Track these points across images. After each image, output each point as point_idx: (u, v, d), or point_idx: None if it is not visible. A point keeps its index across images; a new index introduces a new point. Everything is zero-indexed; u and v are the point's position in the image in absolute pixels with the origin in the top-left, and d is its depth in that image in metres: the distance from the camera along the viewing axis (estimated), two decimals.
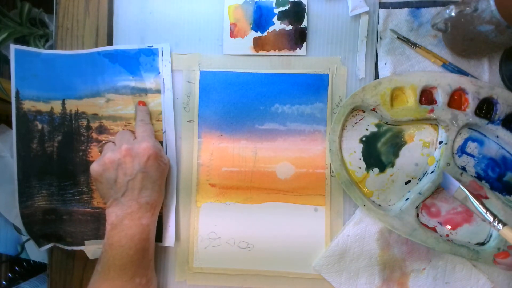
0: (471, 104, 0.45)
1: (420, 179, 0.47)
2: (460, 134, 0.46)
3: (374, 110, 0.46)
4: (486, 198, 0.45)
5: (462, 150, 0.47)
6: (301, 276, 0.48)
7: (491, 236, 0.46)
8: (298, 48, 0.48)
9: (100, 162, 0.43)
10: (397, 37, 0.47)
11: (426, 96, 0.46)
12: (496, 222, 0.38)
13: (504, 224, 0.37)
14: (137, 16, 0.50)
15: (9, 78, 0.50)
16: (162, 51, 0.49)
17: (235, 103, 0.49)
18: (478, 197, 0.46)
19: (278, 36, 0.48)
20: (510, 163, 0.46)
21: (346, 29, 0.48)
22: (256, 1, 0.48)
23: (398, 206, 0.46)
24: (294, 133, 0.49)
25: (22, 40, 0.57)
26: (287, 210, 0.48)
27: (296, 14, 0.48)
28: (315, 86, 0.48)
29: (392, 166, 0.47)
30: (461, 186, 0.41)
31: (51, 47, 0.55)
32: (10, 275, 0.65)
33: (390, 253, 0.47)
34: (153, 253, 0.45)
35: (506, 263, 0.39)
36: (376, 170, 0.48)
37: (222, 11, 0.49)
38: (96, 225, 0.49)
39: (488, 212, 0.39)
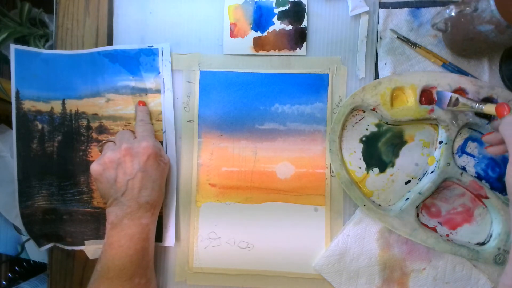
0: None
1: (420, 179, 0.47)
2: (460, 134, 0.46)
3: (374, 110, 0.46)
4: (486, 198, 0.45)
5: (462, 150, 0.47)
6: (301, 276, 0.48)
7: (491, 236, 0.46)
8: (298, 48, 0.48)
9: (100, 161, 0.43)
10: (397, 37, 0.47)
11: (426, 96, 0.46)
12: (480, 105, 0.40)
13: (485, 104, 0.40)
14: (137, 16, 0.50)
15: (9, 78, 0.50)
16: (162, 51, 0.49)
17: (235, 103, 0.49)
18: (479, 197, 0.46)
19: (278, 36, 0.48)
20: None
21: (346, 29, 0.48)
22: (256, 1, 0.49)
23: (398, 206, 0.46)
24: (294, 133, 0.49)
25: (22, 40, 0.57)
26: (287, 210, 0.48)
27: (296, 14, 0.48)
28: (315, 86, 0.48)
29: (392, 166, 0.47)
30: (452, 93, 0.43)
31: (51, 47, 0.55)
32: (10, 275, 0.65)
33: (390, 253, 0.47)
34: (152, 253, 0.45)
35: (488, 139, 0.40)
36: (376, 170, 0.48)
37: (222, 11, 0.49)
38: (96, 225, 0.49)
39: (475, 103, 0.41)
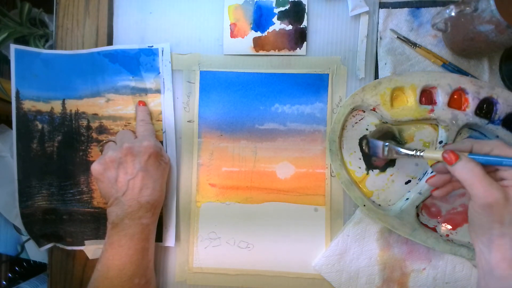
0: (471, 104, 0.45)
1: (420, 179, 0.47)
2: (460, 134, 0.46)
3: (374, 110, 0.46)
4: None
5: None
6: (301, 276, 0.48)
7: None
8: (298, 48, 0.48)
9: (101, 161, 0.42)
10: (397, 37, 0.47)
11: (426, 96, 0.46)
12: (419, 152, 0.40)
13: (423, 150, 0.40)
14: (137, 16, 0.50)
15: (9, 78, 0.50)
16: (162, 51, 0.49)
17: (235, 103, 0.49)
18: None
19: (278, 36, 0.48)
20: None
21: (346, 29, 0.48)
22: (256, 1, 0.49)
23: (398, 206, 0.46)
24: (294, 133, 0.49)
25: (22, 40, 0.57)
26: (287, 210, 0.48)
27: (296, 14, 0.48)
28: (315, 86, 0.48)
29: (392, 166, 0.47)
30: (384, 142, 0.44)
31: (51, 47, 0.55)
32: (10, 275, 0.65)
33: (390, 253, 0.47)
34: (153, 253, 0.45)
35: (433, 182, 0.42)
36: (376, 170, 0.48)
37: (222, 11, 0.49)
38: (96, 225, 0.49)
39: (412, 150, 0.41)
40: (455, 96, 0.46)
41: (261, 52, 0.49)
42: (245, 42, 0.49)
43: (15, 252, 0.63)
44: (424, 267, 0.47)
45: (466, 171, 0.35)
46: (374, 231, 0.47)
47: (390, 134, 0.47)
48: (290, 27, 0.48)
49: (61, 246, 0.50)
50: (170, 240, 0.48)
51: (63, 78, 0.49)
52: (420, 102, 0.46)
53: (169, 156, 0.48)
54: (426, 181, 0.43)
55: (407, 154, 0.42)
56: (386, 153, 0.44)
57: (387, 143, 0.44)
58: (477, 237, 0.37)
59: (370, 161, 0.47)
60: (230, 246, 0.49)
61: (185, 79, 0.50)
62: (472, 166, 0.35)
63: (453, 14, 0.40)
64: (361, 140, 0.48)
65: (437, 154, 0.38)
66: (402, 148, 0.42)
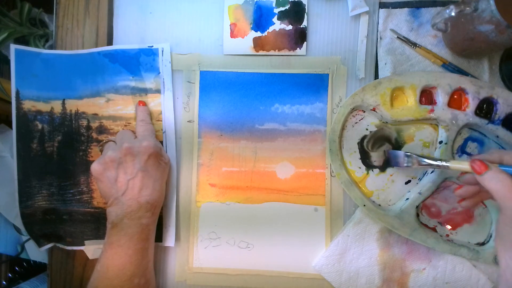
0: (471, 104, 0.45)
1: (420, 179, 0.47)
2: (460, 134, 0.46)
3: (374, 110, 0.46)
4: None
5: (462, 150, 0.47)
6: (301, 276, 0.48)
7: (491, 236, 0.46)
8: (298, 48, 0.48)
9: (101, 161, 0.42)
10: (397, 37, 0.47)
11: (426, 96, 0.46)
12: (444, 162, 0.40)
13: (449, 160, 0.40)
14: (137, 16, 0.50)
15: (9, 78, 0.50)
16: (162, 51, 0.49)
17: (235, 103, 0.49)
18: None
19: (278, 36, 0.48)
20: None
21: (346, 29, 0.48)
22: (256, 1, 0.49)
23: (398, 206, 0.46)
24: (294, 133, 0.49)
25: (22, 40, 0.57)
26: (287, 210, 0.48)
27: (296, 14, 0.48)
28: (315, 86, 0.48)
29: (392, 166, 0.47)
30: (406, 152, 0.44)
31: (51, 47, 0.55)
32: (10, 275, 0.65)
33: (390, 253, 0.47)
34: (152, 253, 0.45)
35: (461, 193, 0.41)
36: (376, 170, 0.48)
37: (222, 11, 0.49)
38: (96, 225, 0.49)
39: (437, 161, 0.41)
40: (455, 96, 0.46)
41: (261, 52, 0.49)
42: (245, 42, 0.49)
43: (15, 252, 0.63)
44: (424, 267, 0.47)
45: (496, 181, 0.34)
46: (374, 231, 0.47)
47: (386, 137, 0.47)
48: (290, 27, 0.48)
49: (61, 246, 0.50)
50: (170, 240, 0.48)
51: (63, 78, 0.49)
52: (420, 102, 0.46)
53: (169, 156, 0.48)
54: (454, 192, 0.42)
55: (431, 164, 0.41)
56: (407, 163, 0.43)
57: (408, 153, 0.43)
58: (505, 251, 0.35)
59: (370, 162, 0.47)
60: (230, 246, 0.49)
61: (185, 79, 0.50)
62: (503, 177, 0.33)
63: (453, 14, 0.40)
64: (359, 142, 0.48)
65: (465, 165, 0.37)
66: (426, 158, 0.42)
